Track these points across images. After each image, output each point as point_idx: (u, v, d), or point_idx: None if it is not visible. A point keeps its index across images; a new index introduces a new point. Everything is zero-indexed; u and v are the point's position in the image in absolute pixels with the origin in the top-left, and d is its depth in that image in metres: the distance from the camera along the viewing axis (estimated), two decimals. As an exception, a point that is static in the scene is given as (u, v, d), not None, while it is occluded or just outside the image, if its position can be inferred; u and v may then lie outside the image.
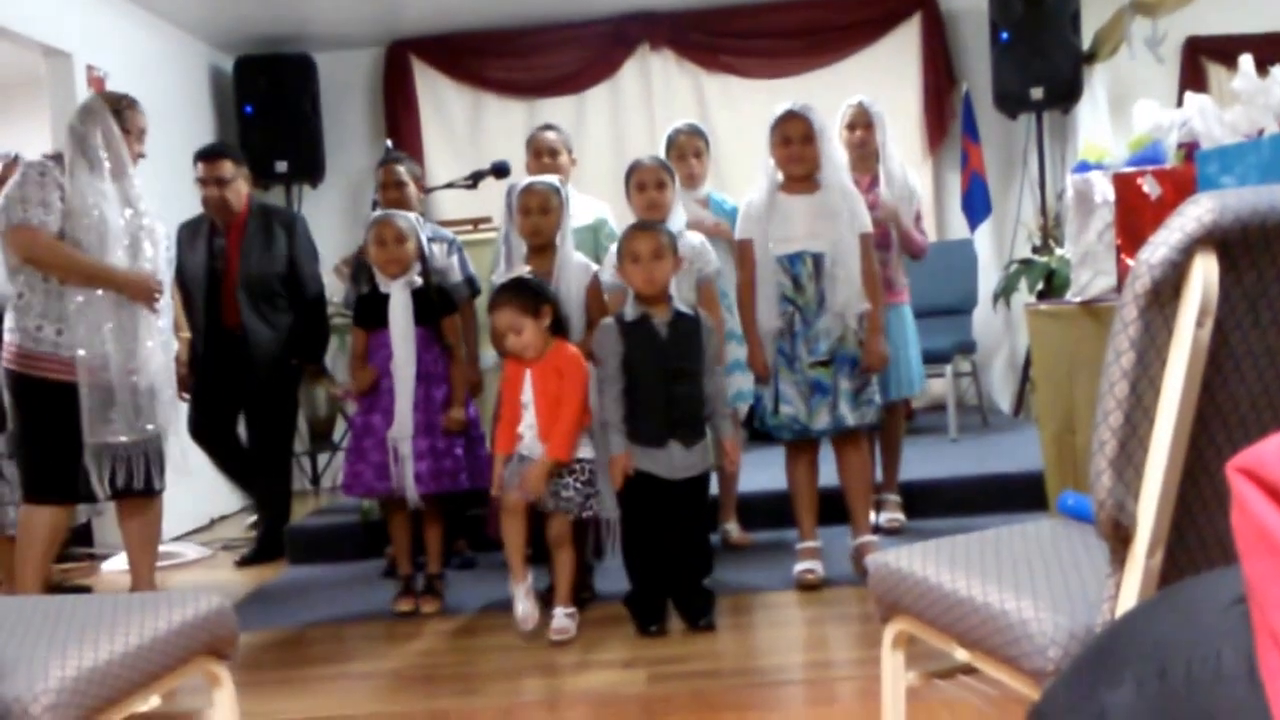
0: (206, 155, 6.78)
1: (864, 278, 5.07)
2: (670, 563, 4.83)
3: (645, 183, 5.22)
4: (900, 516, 5.96)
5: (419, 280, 5.25)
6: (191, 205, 8.34)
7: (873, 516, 5.72)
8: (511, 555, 4.78)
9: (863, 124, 5.72)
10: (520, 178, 5.49)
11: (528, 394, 4.76)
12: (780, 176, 5.15)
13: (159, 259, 5.06)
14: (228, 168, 6.73)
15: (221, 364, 6.69)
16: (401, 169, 6.08)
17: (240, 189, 6.80)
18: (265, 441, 6.99)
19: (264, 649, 5.02)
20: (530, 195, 5.13)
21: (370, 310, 5.32)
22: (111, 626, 2.47)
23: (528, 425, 4.75)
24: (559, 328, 4.84)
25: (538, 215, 5.09)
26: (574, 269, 5.14)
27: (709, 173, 6.05)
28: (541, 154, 5.82)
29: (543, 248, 5.15)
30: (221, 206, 6.74)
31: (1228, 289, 1.73)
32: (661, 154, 5.73)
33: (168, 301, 5.14)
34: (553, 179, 5.30)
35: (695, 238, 5.30)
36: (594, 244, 5.65)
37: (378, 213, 5.51)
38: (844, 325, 5.04)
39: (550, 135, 5.92)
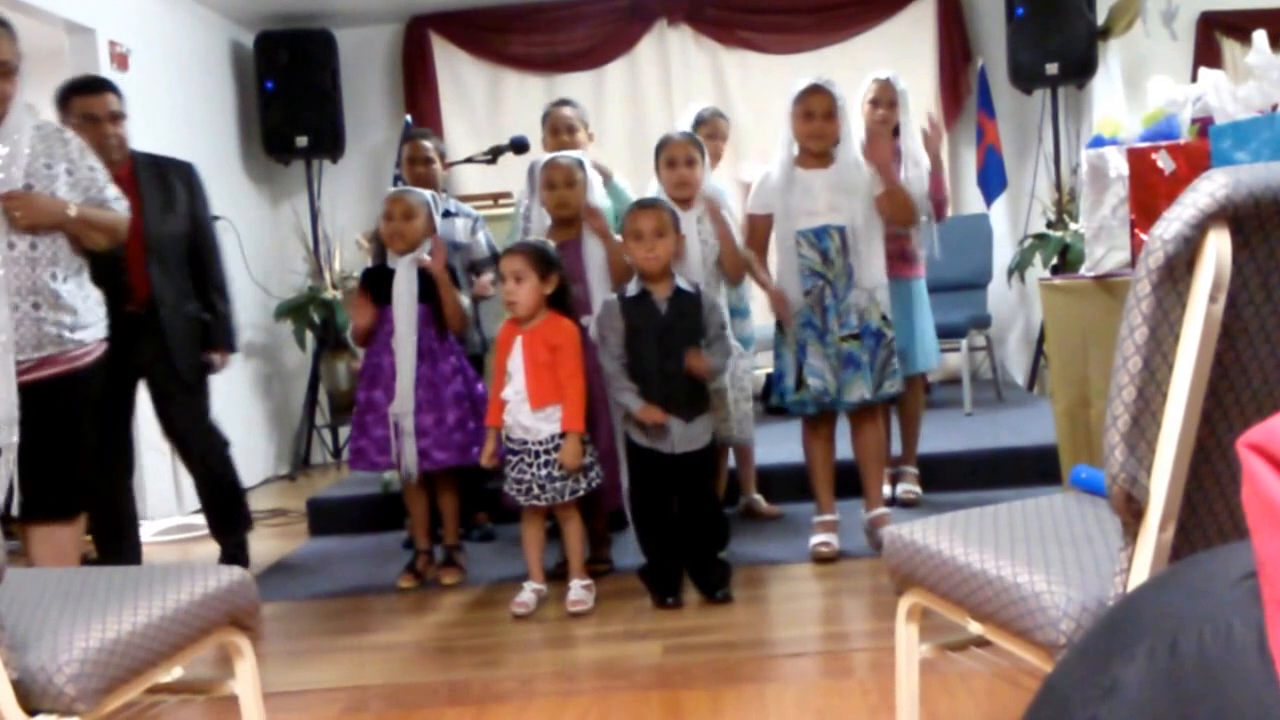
0: (87, 88, 5.25)
1: (880, 171, 5.12)
2: (684, 535, 4.86)
3: (675, 159, 5.22)
4: (917, 489, 5.96)
5: (427, 258, 5.27)
6: (217, 190, 8.39)
7: (888, 489, 5.75)
8: (530, 557, 4.96)
9: (887, 101, 5.68)
10: (539, 154, 5.52)
11: (516, 361, 4.79)
12: (795, 150, 5.16)
13: None
14: (114, 101, 5.25)
15: (127, 359, 5.13)
16: (428, 145, 6.08)
17: (126, 130, 5.34)
18: (208, 462, 5.67)
19: (284, 620, 5.06)
20: (555, 170, 5.15)
21: (376, 283, 5.35)
22: (134, 598, 2.50)
23: (514, 390, 4.79)
24: (561, 304, 4.87)
25: (563, 189, 5.12)
26: (598, 243, 5.15)
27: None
28: (559, 131, 5.78)
29: (567, 221, 5.18)
30: (118, 149, 5.25)
31: (1241, 264, 1.74)
32: (685, 129, 5.75)
33: None
34: (576, 154, 5.32)
35: (714, 184, 5.34)
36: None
37: (393, 188, 5.53)
38: (870, 298, 5.05)
39: (567, 111, 5.87)
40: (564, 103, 6.00)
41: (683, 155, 5.22)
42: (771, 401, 5.35)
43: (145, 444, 6.91)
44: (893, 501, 5.80)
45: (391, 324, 5.23)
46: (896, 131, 5.67)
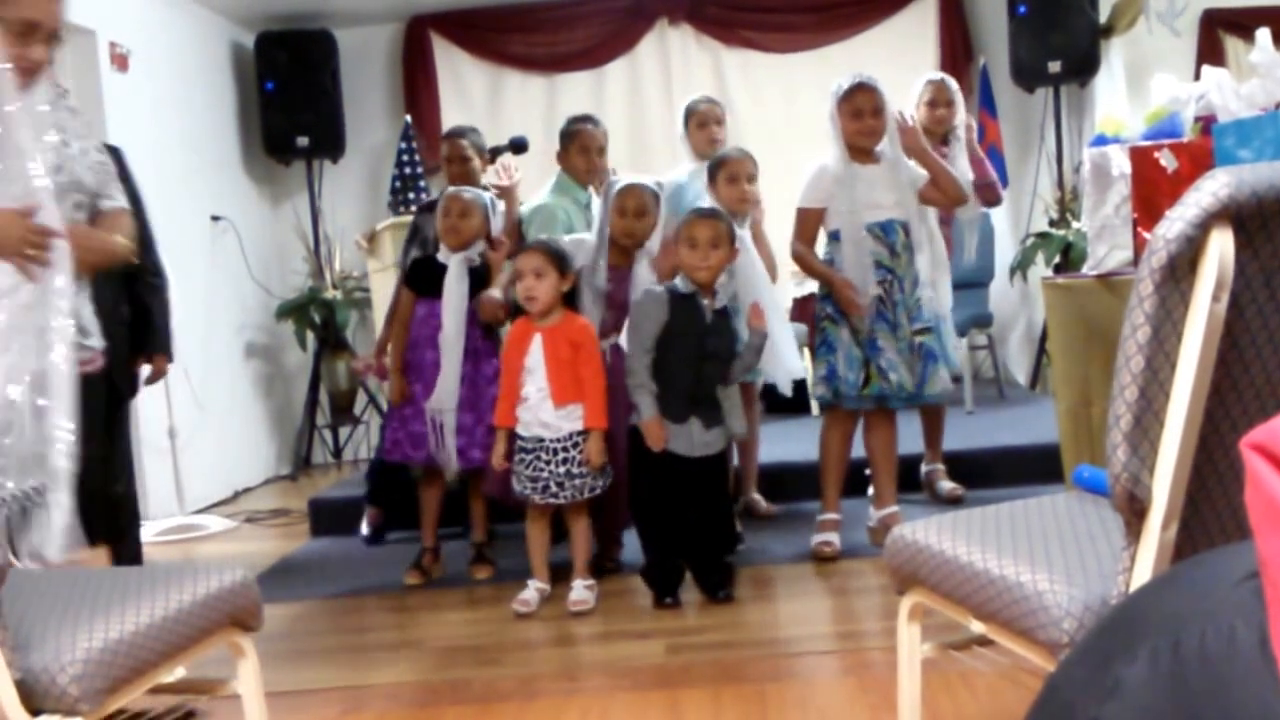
0: None
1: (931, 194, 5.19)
2: (689, 536, 4.85)
3: (738, 175, 5.25)
4: (959, 487, 5.98)
5: (478, 259, 5.27)
6: (218, 191, 8.38)
7: (933, 487, 5.97)
8: (534, 555, 4.96)
9: (944, 101, 5.76)
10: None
11: (535, 357, 4.78)
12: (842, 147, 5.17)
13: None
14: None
15: None
16: (465, 143, 5.95)
17: None
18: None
19: (286, 620, 5.05)
20: (629, 197, 5.07)
21: (424, 275, 5.34)
22: (137, 599, 2.50)
23: (536, 388, 4.78)
24: (572, 302, 4.90)
25: (633, 219, 5.05)
26: (643, 278, 5.10)
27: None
28: (590, 150, 5.71)
29: (627, 249, 5.13)
30: None
31: (1244, 264, 1.74)
32: (680, 126, 5.78)
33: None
34: (651, 182, 5.23)
35: None
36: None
37: (451, 188, 5.47)
38: (931, 293, 5.08)
39: (597, 132, 5.80)
40: (591, 121, 5.88)
41: (745, 171, 5.26)
42: (819, 396, 5.27)
43: (146, 445, 6.90)
44: (939, 500, 5.89)
45: (435, 320, 5.23)
46: (945, 139, 5.72)
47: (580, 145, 5.74)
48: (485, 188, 5.81)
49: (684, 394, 4.73)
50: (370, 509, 6.30)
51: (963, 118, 5.81)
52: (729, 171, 5.27)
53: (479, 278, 5.24)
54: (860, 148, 5.11)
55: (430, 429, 5.20)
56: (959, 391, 7.74)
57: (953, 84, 5.80)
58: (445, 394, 5.18)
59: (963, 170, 5.59)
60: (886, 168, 5.09)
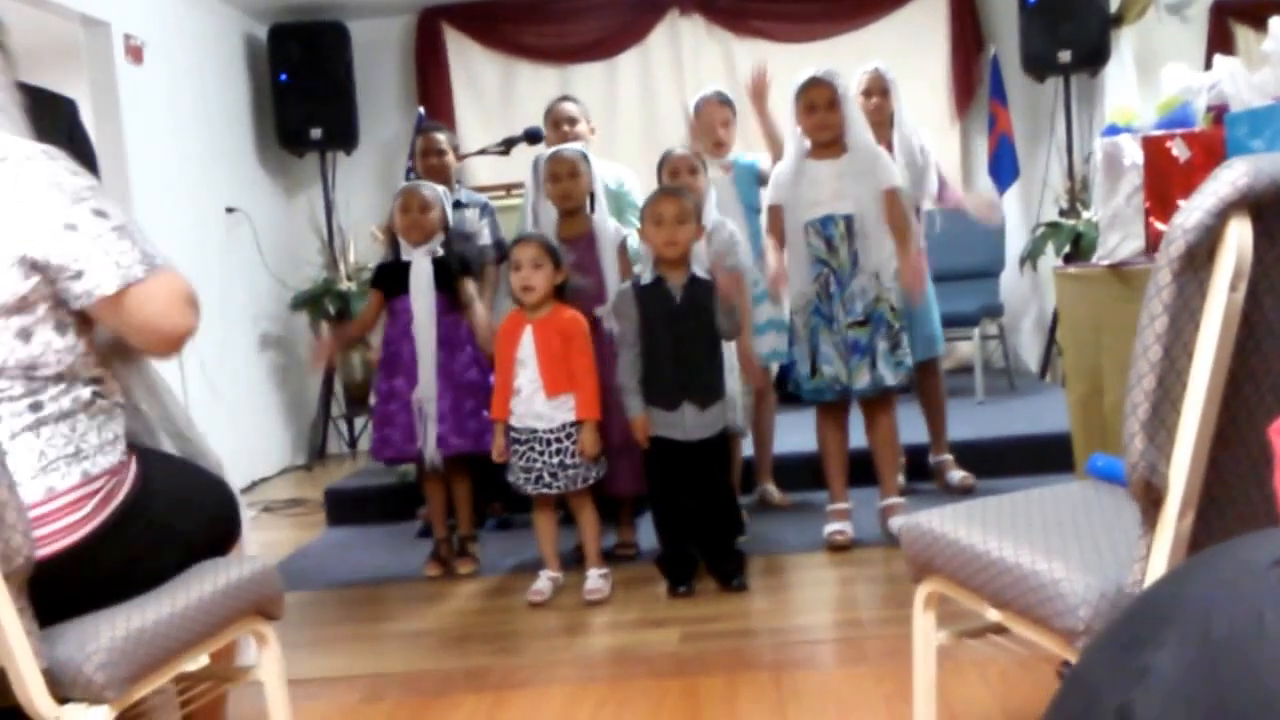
0: None
1: (893, 231, 5.12)
2: (699, 524, 4.88)
3: (679, 170, 5.29)
4: (970, 474, 5.97)
5: (440, 250, 5.33)
6: (232, 183, 8.39)
7: (943, 478, 5.98)
8: (543, 545, 5.00)
9: (878, 90, 5.73)
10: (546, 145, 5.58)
11: (526, 349, 4.82)
12: (807, 143, 5.19)
13: None
14: None
15: None
16: (441, 137, 6.13)
17: None
18: None
19: (304, 609, 5.08)
20: (559, 162, 5.21)
21: (390, 276, 5.39)
22: (160, 589, 2.52)
23: (528, 379, 4.82)
24: (562, 296, 4.93)
25: (568, 181, 5.17)
26: (609, 234, 5.21)
27: (736, 136, 6.04)
28: (560, 123, 5.89)
29: (573, 213, 5.24)
30: None
31: (1262, 253, 1.75)
32: (690, 116, 5.81)
33: None
34: (578, 146, 5.40)
35: (731, 225, 5.35)
36: (618, 208, 5.70)
37: (405, 183, 5.58)
38: (878, 285, 5.07)
39: (568, 105, 5.99)
40: (565, 98, 6.14)
41: (685, 167, 5.31)
42: (788, 388, 5.37)
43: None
44: (950, 489, 5.91)
45: (408, 314, 5.26)
46: (889, 124, 5.73)
47: (552, 121, 5.96)
48: (459, 181, 5.90)
49: (671, 381, 4.78)
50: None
51: (903, 107, 5.76)
52: (670, 168, 5.35)
53: (441, 268, 5.30)
54: (818, 141, 5.16)
55: (417, 419, 5.24)
56: (970, 381, 7.76)
57: (887, 73, 5.76)
58: (425, 383, 5.24)
59: (910, 168, 5.61)
60: (846, 160, 5.12)
